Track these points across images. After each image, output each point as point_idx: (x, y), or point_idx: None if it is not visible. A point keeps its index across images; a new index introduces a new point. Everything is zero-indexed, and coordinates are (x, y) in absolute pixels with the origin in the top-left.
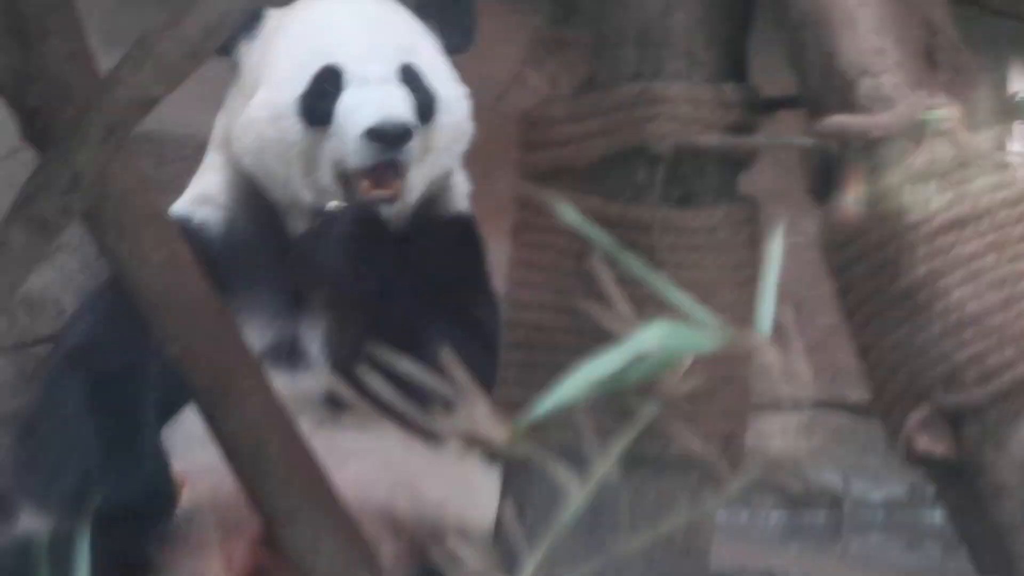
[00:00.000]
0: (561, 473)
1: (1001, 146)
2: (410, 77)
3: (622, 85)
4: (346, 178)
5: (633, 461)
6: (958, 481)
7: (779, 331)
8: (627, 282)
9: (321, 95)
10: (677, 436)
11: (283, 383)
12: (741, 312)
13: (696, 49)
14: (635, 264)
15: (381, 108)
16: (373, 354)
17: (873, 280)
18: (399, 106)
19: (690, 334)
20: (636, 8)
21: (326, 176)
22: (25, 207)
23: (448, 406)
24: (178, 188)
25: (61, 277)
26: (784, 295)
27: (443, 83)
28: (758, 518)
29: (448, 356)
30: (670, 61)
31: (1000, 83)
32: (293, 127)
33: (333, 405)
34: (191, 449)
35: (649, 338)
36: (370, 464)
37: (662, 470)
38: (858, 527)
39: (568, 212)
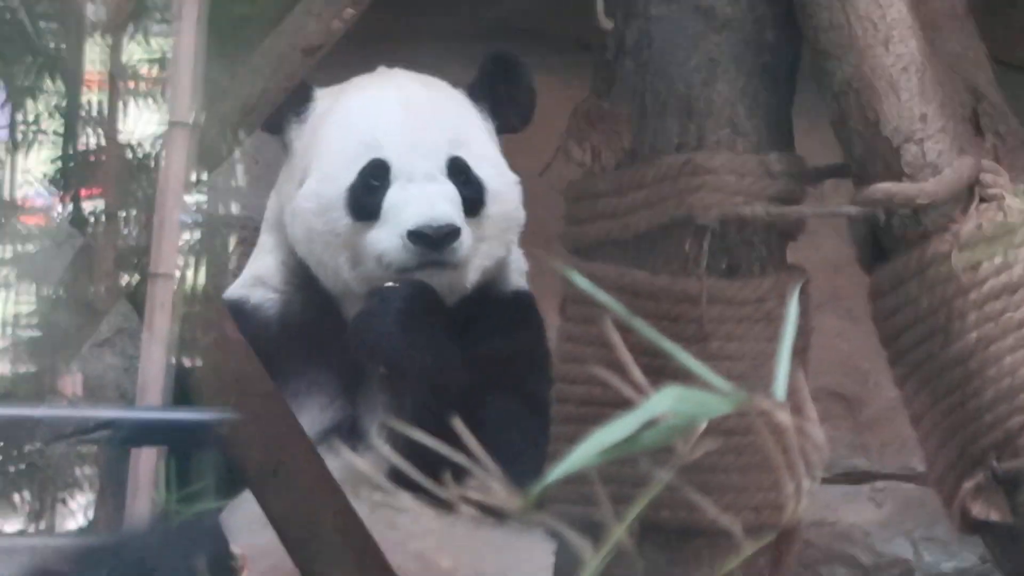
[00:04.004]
0: (575, 540)
1: None
2: (457, 171)
3: (665, 156)
4: (390, 272)
5: (661, 529)
6: (1014, 547)
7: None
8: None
9: (368, 190)
10: (697, 505)
11: (344, 462)
12: (792, 382)
13: (739, 119)
14: (648, 331)
15: (424, 210)
16: (393, 427)
17: (924, 347)
18: (442, 207)
19: (702, 398)
20: (677, 79)
21: (372, 268)
22: (72, 289)
23: (461, 476)
24: (234, 270)
25: (122, 361)
26: (850, 366)
27: (492, 173)
28: None
29: (463, 428)
30: (713, 131)
31: None
32: (340, 220)
33: (394, 484)
34: (251, 530)
35: (661, 403)
36: (431, 541)
37: (688, 538)
38: None
39: (577, 278)
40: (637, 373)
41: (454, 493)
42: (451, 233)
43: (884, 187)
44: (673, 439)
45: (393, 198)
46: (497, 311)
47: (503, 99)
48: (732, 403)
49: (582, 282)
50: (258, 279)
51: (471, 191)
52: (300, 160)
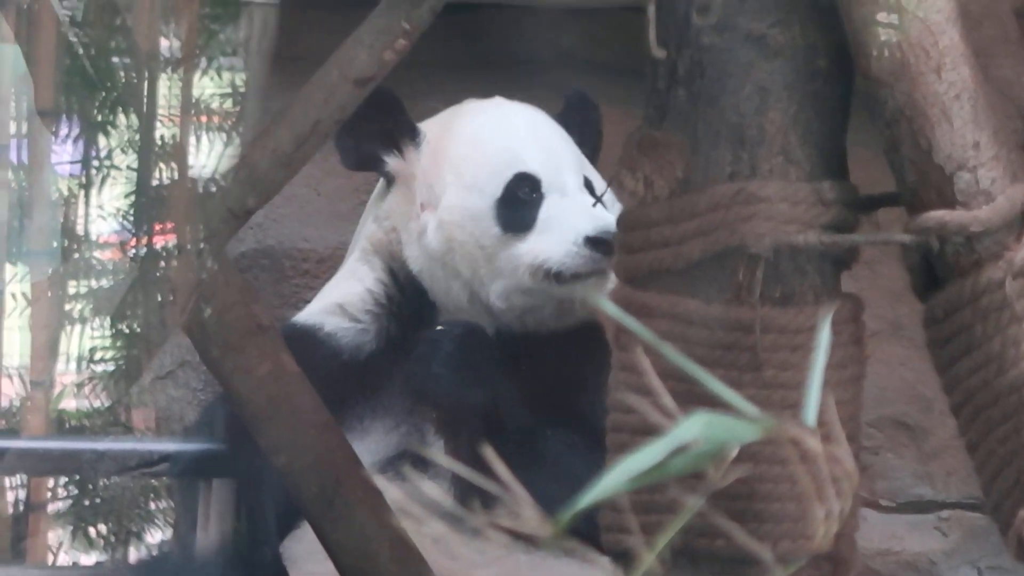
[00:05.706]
0: (606, 567)
1: None
2: (589, 188)
3: (718, 185)
4: (549, 280)
5: (715, 557)
6: None
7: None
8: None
9: (519, 202)
10: (730, 533)
11: (409, 492)
12: (846, 411)
13: (791, 147)
14: (676, 357)
15: (598, 218)
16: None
17: (978, 375)
18: (609, 216)
19: (731, 425)
20: (730, 107)
21: (522, 278)
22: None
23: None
24: (297, 302)
25: (186, 394)
26: (913, 395)
27: (606, 196)
28: None
29: (494, 458)
30: (765, 160)
31: None
32: (488, 231)
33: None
34: (313, 560)
35: (690, 430)
36: (494, 572)
37: (742, 567)
38: None
39: (606, 305)
40: (668, 399)
41: (483, 520)
42: None
43: (937, 215)
44: (702, 466)
45: (553, 209)
46: (567, 340)
47: (581, 132)
48: (760, 430)
49: (611, 308)
50: (337, 306)
51: None
52: (421, 182)
